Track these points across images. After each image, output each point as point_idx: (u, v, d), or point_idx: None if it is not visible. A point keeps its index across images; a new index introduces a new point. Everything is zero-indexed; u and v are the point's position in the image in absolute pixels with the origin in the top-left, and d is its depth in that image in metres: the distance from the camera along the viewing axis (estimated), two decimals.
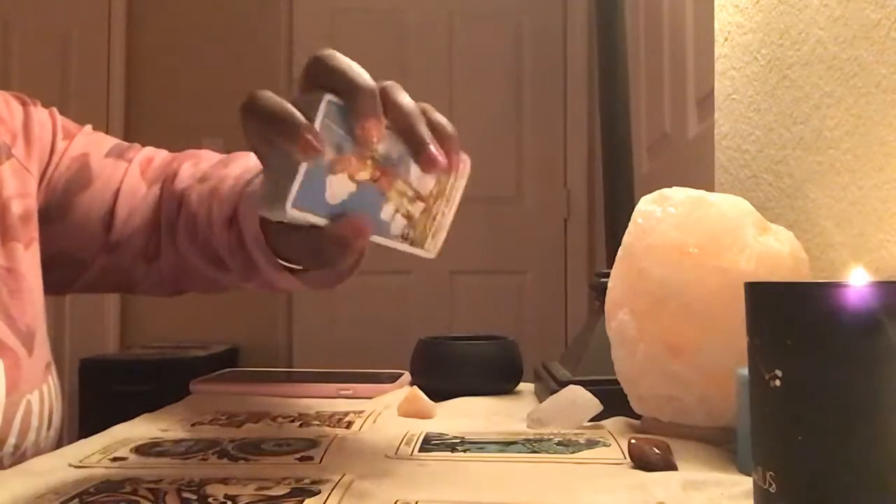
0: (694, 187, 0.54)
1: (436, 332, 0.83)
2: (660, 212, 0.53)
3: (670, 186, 0.55)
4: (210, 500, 0.39)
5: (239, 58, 2.59)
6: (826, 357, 0.30)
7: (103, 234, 0.64)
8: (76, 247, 0.64)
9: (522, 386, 0.77)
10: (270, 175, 0.43)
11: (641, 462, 0.45)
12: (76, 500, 0.39)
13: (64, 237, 0.63)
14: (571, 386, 0.58)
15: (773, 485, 0.31)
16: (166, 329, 2.57)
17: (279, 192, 0.40)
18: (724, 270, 0.49)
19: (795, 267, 0.50)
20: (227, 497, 0.39)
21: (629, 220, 0.55)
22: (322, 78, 0.42)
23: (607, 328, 0.56)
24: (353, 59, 0.44)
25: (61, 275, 0.64)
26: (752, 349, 0.33)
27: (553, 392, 0.60)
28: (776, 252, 0.50)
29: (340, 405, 0.68)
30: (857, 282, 0.30)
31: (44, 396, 0.57)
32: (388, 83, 0.44)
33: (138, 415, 0.63)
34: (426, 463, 0.47)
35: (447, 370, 0.73)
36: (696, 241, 0.50)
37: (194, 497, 0.39)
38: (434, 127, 0.44)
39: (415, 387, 0.67)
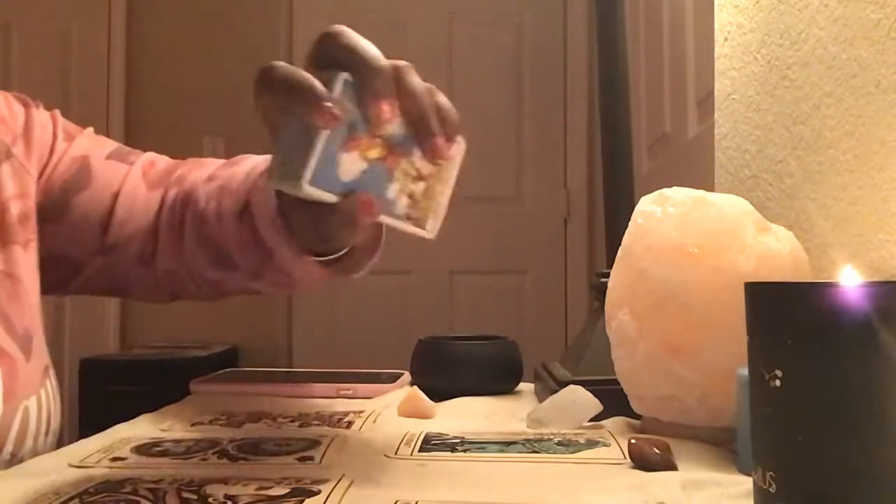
0: (694, 187, 0.54)
1: (436, 332, 0.83)
2: (660, 212, 0.53)
3: (670, 186, 0.55)
4: (210, 500, 0.39)
5: (239, 57, 2.59)
6: (826, 357, 0.30)
7: (100, 235, 0.64)
8: (72, 248, 0.64)
9: (522, 386, 0.77)
10: (283, 150, 0.42)
11: (641, 462, 0.45)
12: (76, 500, 0.39)
13: (60, 238, 0.63)
14: (571, 386, 0.58)
15: (773, 485, 0.31)
16: (166, 329, 2.57)
17: (293, 166, 0.40)
18: (724, 270, 0.49)
19: (795, 267, 0.50)
20: (227, 497, 0.39)
21: (629, 220, 0.55)
22: (336, 55, 0.42)
23: (607, 328, 0.56)
24: None
25: (56, 276, 0.64)
26: (752, 349, 0.33)
27: (553, 392, 0.60)
28: (776, 252, 0.50)
29: (340, 405, 0.68)
30: (856, 282, 0.30)
31: (41, 402, 0.57)
32: (402, 64, 0.44)
33: (138, 415, 0.63)
34: (426, 463, 0.47)
35: (447, 370, 0.73)
36: (696, 241, 0.50)
37: (194, 497, 0.39)
38: (439, 112, 0.45)
39: (415, 387, 0.67)
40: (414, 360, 0.76)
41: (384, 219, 0.45)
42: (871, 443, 0.30)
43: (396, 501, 0.39)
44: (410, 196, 0.45)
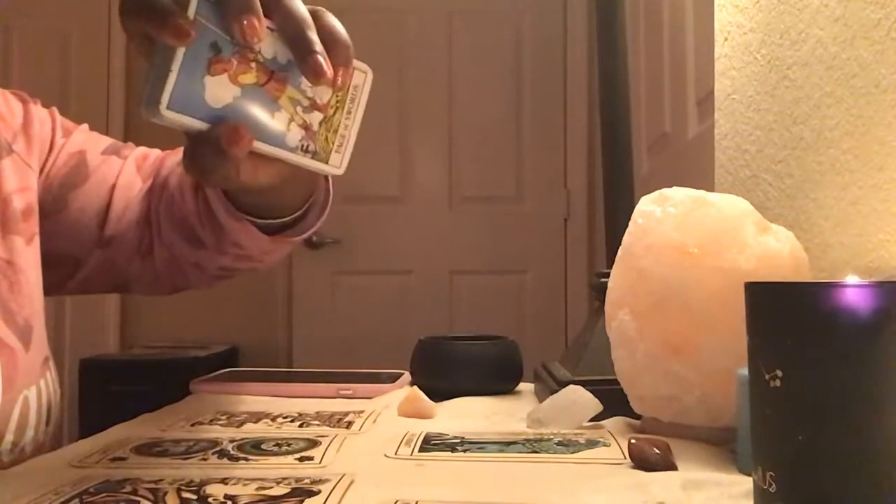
0: (694, 187, 0.54)
1: (436, 332, 0.83)
2: (660, 212, 0.53)
3: (670, 186, 0.55)
4: (210, 500, 0.39)
5: None
6: (826, 357, 0.30)
7: (98, 229, 0.64)
8: (71, 243, 0.64)
9: (522, 386, 0.77)
10: (148, 79, 0.39)
11: (641, 462, 0.45)
12: (76, 500, 0.39)
13: (59, 233, 0.63)
14: (571, 386, 0.58)
15: (773, 485, 0.31)
16: (166, 329, 2.57)
17: (155, 93, 0.37)
18: (724, 270, 0.49)
19: (795, 267, 0.50)
20: (227, 497, 0.39)
21: (629, 220, 0.55)
22: None
23: (607, 328, 0.56)
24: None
25: (56, 274, 0.64)
26: (752, 349, 0.33)
27: (553, 392, 0.60)
28: (776, 252, 0.50)
29: (340, 405, 0.68)
30: (856, 282, 0.30)
31: (41, 392, 0.57)
32: None
33: (138, 415, 0.63)
34: (426, 463, 0.48)
35: (447, 370, 0.73)
36: (696, 241, 0.50)
37: (194, 497, 0.39)
38: (326, 34, 0.42)
39: (415, 387, 0.67)
40: (414, 360, 0.76)
41: (276, 151, 0.42)
42: (871, 443, 0.30)
43: (396, 501, 0.39)
44: (305, 128, 0.42)
